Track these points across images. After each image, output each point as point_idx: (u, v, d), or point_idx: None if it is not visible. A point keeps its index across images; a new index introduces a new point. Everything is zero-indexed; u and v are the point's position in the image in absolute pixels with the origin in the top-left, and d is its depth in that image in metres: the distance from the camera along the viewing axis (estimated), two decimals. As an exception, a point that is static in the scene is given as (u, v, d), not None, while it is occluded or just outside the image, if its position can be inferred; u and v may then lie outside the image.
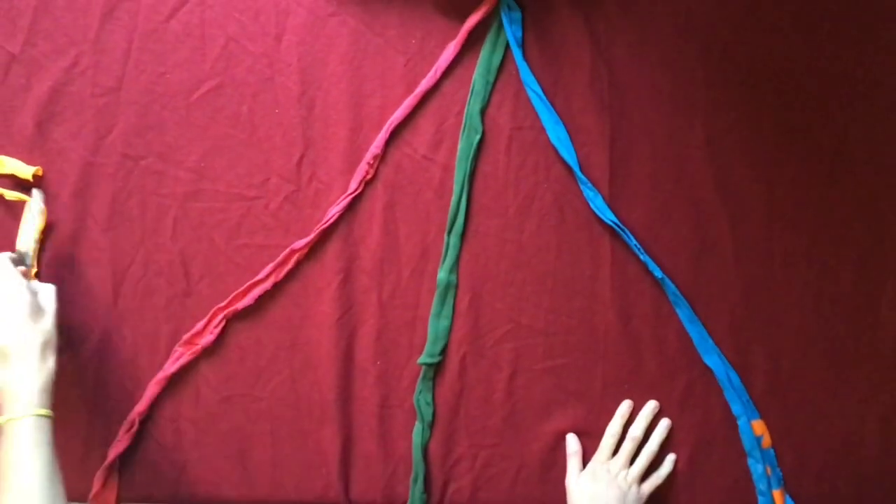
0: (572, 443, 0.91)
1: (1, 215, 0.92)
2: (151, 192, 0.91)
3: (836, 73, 0.92)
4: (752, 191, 0.91)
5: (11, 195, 0.89)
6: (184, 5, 0.90)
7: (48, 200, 0.90)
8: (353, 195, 0.90)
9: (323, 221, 0.90)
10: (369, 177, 0.90)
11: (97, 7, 0.90)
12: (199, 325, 0.90)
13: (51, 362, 0.76)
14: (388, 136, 0.91)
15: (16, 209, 0.90)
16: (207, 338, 0.90)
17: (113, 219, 0.91)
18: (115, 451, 0.89)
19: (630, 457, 0.90)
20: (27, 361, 0.74)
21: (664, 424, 0.91)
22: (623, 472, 0.88)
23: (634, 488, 0.88)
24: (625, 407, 0.91)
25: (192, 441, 0.92)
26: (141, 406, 0.90)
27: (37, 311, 0.77)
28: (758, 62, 0.92)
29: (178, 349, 0.91)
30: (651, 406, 0.91)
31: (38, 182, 0.90)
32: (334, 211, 0.90)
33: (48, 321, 0.78)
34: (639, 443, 0.90)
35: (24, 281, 0.79)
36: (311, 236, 0.90)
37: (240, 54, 0.91)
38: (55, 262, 0.91)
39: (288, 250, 0.90)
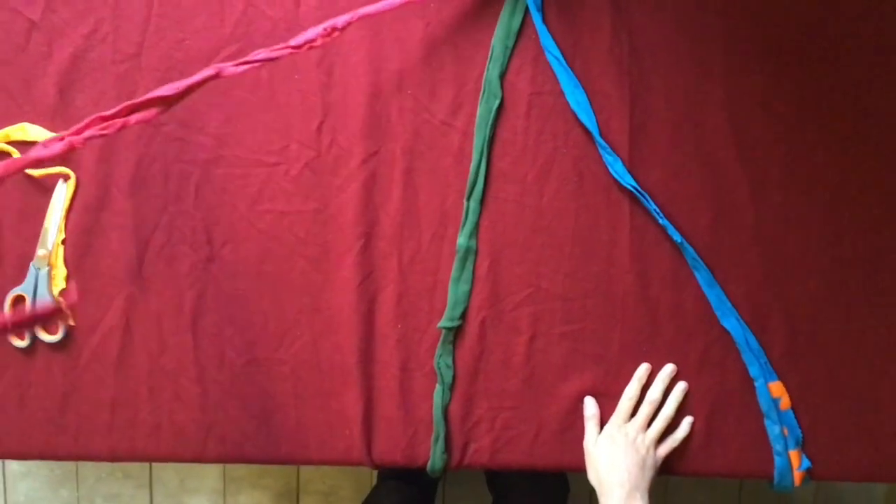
0: (590, 406, 0.92)
1: (27, 188, 0.93)
2: (174, 158, 0.92)
3: (856, 33, 0.91)
4: (771, 154, 0.91)
5: (37, 173, 0.91)
6: (202, -29, 0.90)
7: (72, 166, 0.91)
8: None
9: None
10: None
11: (117, -27, 0.90)
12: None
13: None
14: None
15: (41, 182, 0.92)
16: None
17: (136, 185, 0.92)
18: None
19: (647, 420, 0.91)
20: None
21: (681, 387, 0.92)
22: (640, 436, 0.90)
23: (652, 451, 0.89)
24: (642, 370, 0.92)
25: (216, 403, 0.94)
26: None
27: None
28: (778, 23, 0.91)
29: None
30: (668, 369, 0.92)
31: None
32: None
33: None
34: (656, 406, 0.91)
35: None
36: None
37: (259, 19, 0.90)
38: (80, 230, 0.93)
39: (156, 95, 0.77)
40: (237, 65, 0.72)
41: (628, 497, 0.84)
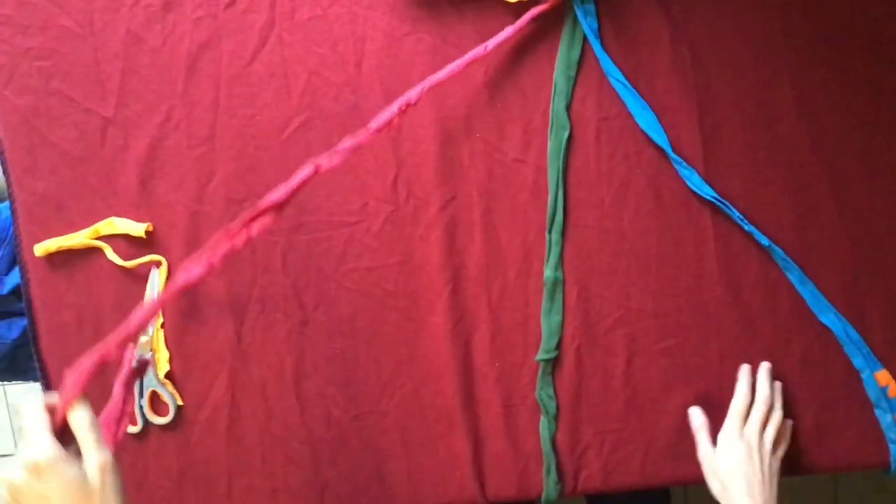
0: (696, 416, 0.92)
1: (122, 279, 0.95)
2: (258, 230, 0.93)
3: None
4: (848, 146, 0.91)
5: (130, 264, 0.93)
6: (263, 47, 0.92)
7: (162, 252, 0.94)
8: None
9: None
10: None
11: (181, 60, 0.92)
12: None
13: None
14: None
15: (135, 272, 0.95)
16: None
17: (225, 262, 0.93)
18: None
19: (763, 421, 0.89)
20: None
21: (778, 387, 0.92)
22: (760, 441, 0.88)
23: (771, 457, 0.88)
24: (745, 370, 0.92)
25: (328, 461, 0.96)
26: None
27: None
28: (840, 14, 0.90)
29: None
30: (767, 367, 0.92)
31: (150, 237, 0.93)
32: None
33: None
34: (770, 404, 0.90)
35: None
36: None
37: (323, 86, 0.92)
38: (177, 312, 0.95)
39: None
40: (330, 156, 0.75)
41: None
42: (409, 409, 0.95)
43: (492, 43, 0.87)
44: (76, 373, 0.65)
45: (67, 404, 0.64)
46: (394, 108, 0.81)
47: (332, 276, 0.94)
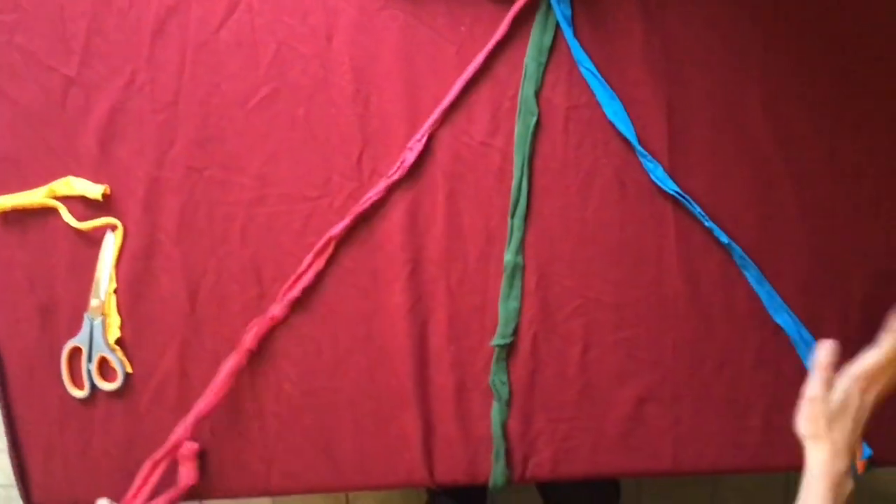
0: (823, 353, 0.83)
1: (76, 242, 0.94)
2: (217, 200, 0.93)
3: (893, 21, 0.90)
4: (813, 149, 0.91)
5: (85, 225, 0.92)
6: (232, 14, 0.90)
7: (118, 216, 0.92)
8: (392, 181, 0.91)
9: (359, 204, 0.91)
10: (408, 163, 0.91)
11: (148, 24, 0.90)
12: (248, 338, 0.92)
13: None
14: (438, 121, 0.91)
15: (90, 234, 0.94)
16: (249, 343, 0.92)
17: (182, 230, 0.93)
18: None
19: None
20: None
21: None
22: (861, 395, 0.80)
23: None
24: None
25: (277, 435, 0.95)
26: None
27: None
28: (812, 17, 0.90)
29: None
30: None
31: (106, 200, 0.92)
32: (372, 193, 0.91)
33: None
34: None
35: None
36: (346, 220, 0.91)
37: (292, 58, 0.91)
38: (130, 278, 0.94)
39: (325, 238, 0.91)
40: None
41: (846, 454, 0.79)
42: (363, 387, 0.94)
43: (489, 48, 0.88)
44: None
45: None
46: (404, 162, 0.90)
47: (291, 250, 0.93)
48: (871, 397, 0.81)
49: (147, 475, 0.90)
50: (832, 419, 0.80)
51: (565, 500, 1.30)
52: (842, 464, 0.78)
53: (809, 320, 0.92)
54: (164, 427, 0.94)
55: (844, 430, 0.80)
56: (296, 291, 0.92)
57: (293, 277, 0.92)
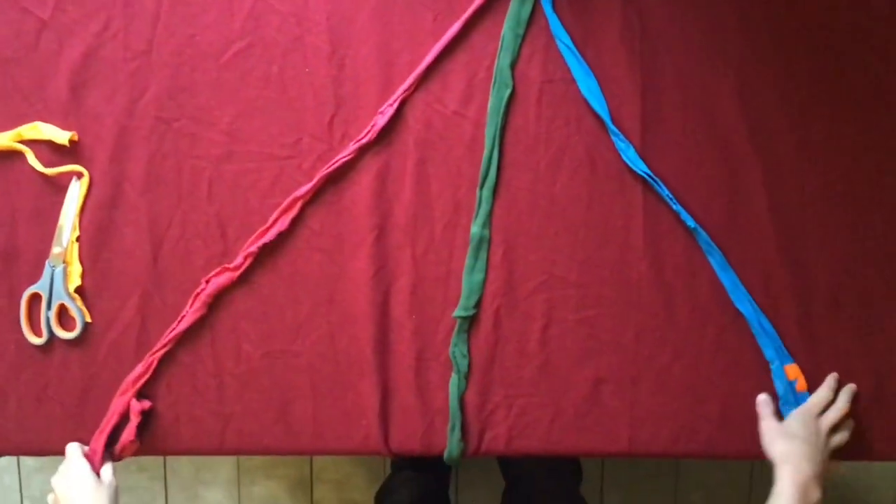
0: (764, 399, 0.93)
1: (41, 187, 0.93)
2: (186, 154, 0.92)
3: (869, 16, 0.91)
4: (784, 137, 0.91)
5: (50, 171, 0.91)
6: (210, -35, 0.90)
7: (85, 164, 0.92)
8: (361, 144, 0.91)
9: (328, 165, 0.91)
10: (378, 126, 0.90)
11: (125, -30, 0.90)
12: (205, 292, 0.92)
13: None
14: (412, 87, 0.91)
15: (55, 180, 0.93)
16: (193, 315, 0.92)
17: (149, 182, 0.92)
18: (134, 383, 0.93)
19: (834, 422, 0.90)
20: None
21: (849, 389, 0.92)
22: (826, 429, 0.89)
23: (827, 442, 0.90)
24: (832, 378, 0.93)
25: (235, 395, 0.94)
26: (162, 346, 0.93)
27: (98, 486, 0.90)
28: (790, 8, 0.90)
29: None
30: (852, 388, 0.93)
31: (73, 147, 0.91)
32: (341, 156, 0.91)
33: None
34: (842, 415, 0.91)
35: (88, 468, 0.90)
36: (314, 181, 0.90)
37: (268, 14, 0.90)
38: (94, 227, 0.93)
39: (291, 198, 0.91)
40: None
41: (812, 481, 0.85)
42: (323, 352, 0.94)
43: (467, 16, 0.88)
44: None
45: None
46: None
47: (257, 209, 0.93)
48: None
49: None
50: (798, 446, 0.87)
51: (526, 476, 1.29)
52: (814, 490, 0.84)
53: (770, 310, 0.92)
54: (121, 379, 0.94)
55: (812, 458, 0.86)
56: (254, 247, 0.91)
57: (256, 233, 0.91)
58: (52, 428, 0.95)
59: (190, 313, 0.91)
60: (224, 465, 1.76)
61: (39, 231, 0.93)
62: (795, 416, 0.90)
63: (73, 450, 0.91)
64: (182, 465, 1.77)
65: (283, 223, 0.91)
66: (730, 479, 1.75)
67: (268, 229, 0.91)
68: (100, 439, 0.91)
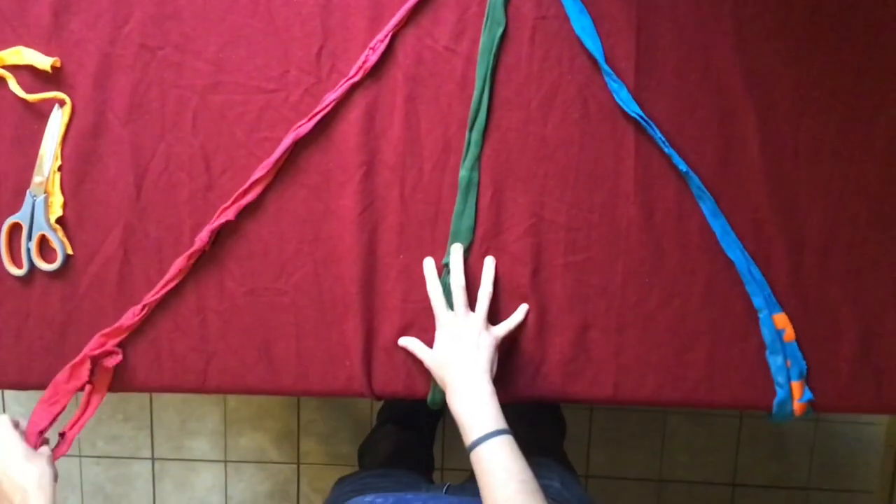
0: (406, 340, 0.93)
1: (22, 114, 0.91)
2: (171, 84, 0.90)
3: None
4: (780, 81, 0.89)
5: (32, 97, 0.89)
6: None
7: (67, 91, 0.90)
8: (354, 81, 0.89)
9: (322, 105, 0.89)
10: (369, 63, 0.89)
11: None
12: (203, 233, 0.90)
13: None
14: (402, 21, 0.89)
15: (37, 107, 0.91)
16: (202, 241, 0.90)
17: (133, 111, 0.90)
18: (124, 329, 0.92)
19: (465, 304, 0.89)
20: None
21: (490, 262, 0.91)
22: (467, 320, 0.88)
23: (485, 332, 0.88)
24: (430, 263, 0.92)
25: (218, 333, 0.93)
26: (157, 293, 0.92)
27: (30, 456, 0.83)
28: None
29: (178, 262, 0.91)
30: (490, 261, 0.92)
31: (56, 73, 0.89)
32: (333, 96, 0.89)
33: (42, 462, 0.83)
34: (464, 290, 0.90)
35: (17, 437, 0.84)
36: (311, 124, 0.89)
37: (258, -58, 0.88)
38: (76, 156, 0.91)
39: (292, 139, 0.89)
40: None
41: (472, 379, 0.83)
42: (307, 290, 0.93)
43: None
44: None
45: None
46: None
47: (243, 142, 0.91)
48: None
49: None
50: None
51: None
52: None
53: (760, 258, 0.91)
54: (103, 312, 0.93)
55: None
56: (251, 196, 0.90)
57: (249, 182, 0.90)
58: (32, 362, 0.94)
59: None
60: (211, 416, 1.76)
61: (20, 159, 0.91)
62: (443, 334, 0.89)
63: (3, 421, 0.85)
64: (168, 414, 1.76)
65: (279, 164, 0.90)
66: (716, 441, 1.75)
67: (264, 177, 0.90)
68: (44, 415, 0.89)
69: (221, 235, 0.92)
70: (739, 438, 1.75)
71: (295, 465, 1.78)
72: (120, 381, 0.94)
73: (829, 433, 1.74)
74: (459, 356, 0.85)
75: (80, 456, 1.78)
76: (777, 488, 1.76)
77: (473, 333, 0.86)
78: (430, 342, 0.91)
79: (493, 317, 0.92)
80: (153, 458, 1.79)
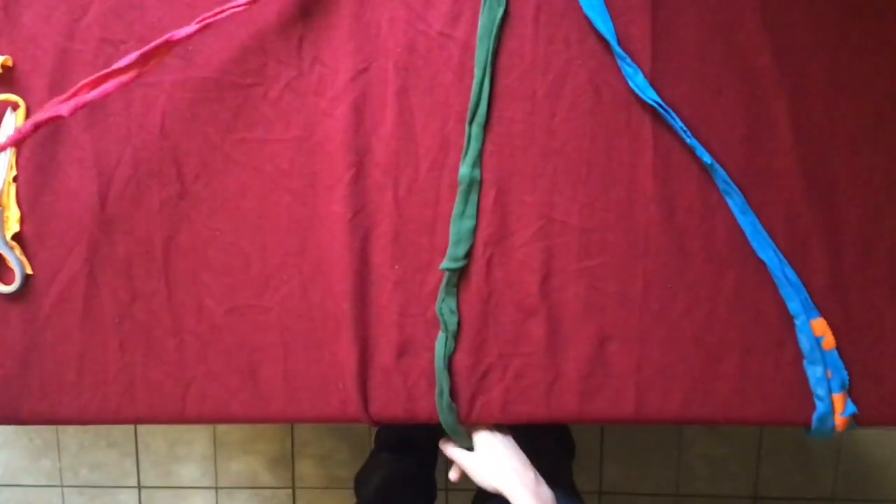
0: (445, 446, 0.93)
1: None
2: (136, 81, 0.82)
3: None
4: (812, 61, 0.83)
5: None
6: None
7: (21, 93, 0.83)
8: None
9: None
10: None
11: None
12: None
13: None
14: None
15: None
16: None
17: (95, 113, 0.84)
18: None
19: None
20: None
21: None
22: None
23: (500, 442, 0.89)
24: None
25: (196, 356, 0.87)
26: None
27: None
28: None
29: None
30: None
31: (7, 73, 0.83)
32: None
33: None
34: None
35: None
36: (196, 27, 0.79)
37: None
38: (33, 165, 0.85)
39: (164, 39, 0.78)
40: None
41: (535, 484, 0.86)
42: (294, 307, 0.86)
43: None
44: None
45: None
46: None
47: (218, 144, 0.84)
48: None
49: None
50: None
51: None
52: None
53: (795, 259, 0.84)
54: (68, 337, 0.86)
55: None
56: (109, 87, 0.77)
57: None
58: (-10, 394, 0.86)
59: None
60: (200, 440, 1.71)
61: (-29, 171, 0.83)
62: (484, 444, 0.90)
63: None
64: (155, 439, 1.72)
65: (143, 67, 0.80)
66: (736, 452, 1.70)
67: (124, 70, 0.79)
68: None
69: (197, 248, 0.85)
70: (760, 448, 1.70)
71: (290, 490, 1.73)
72: (87, 412, 0.86)
73: (855, 440, 1.70)
74: (515, 469, 0.87)
75: (61, 486, 1.72)
76: (801, 500, 1.71)
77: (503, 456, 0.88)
78: (430, 360, 0.85)
79: (500, 330, 0.85)
80: (139, 487, 1.73)
